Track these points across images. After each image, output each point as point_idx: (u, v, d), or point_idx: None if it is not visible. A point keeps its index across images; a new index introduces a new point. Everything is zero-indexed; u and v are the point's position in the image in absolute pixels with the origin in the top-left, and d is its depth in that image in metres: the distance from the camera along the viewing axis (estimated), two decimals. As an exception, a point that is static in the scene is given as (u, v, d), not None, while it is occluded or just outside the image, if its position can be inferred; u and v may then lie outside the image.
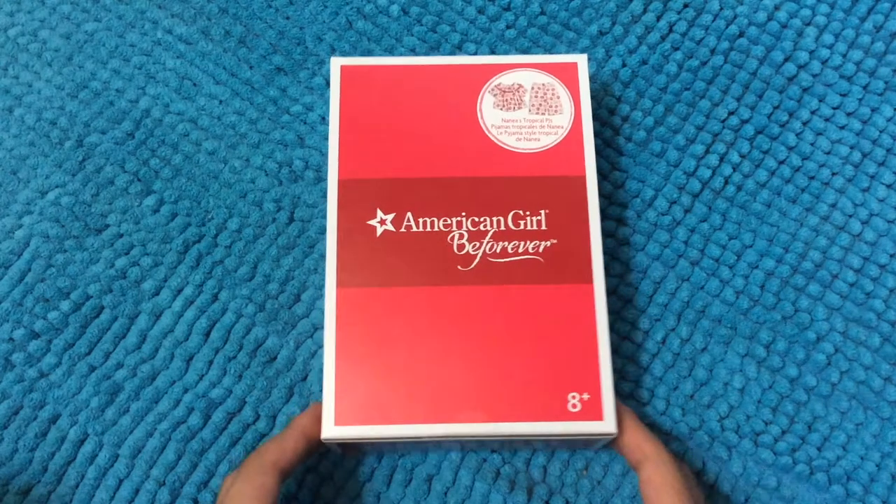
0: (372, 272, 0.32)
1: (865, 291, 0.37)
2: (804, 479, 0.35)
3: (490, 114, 0.34)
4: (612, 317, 0.37)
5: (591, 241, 0.33)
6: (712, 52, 0.40)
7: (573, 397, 0.31)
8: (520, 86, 0.35)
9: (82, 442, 0.35)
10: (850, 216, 0.38)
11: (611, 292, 0.37)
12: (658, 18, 0.41)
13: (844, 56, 0.40)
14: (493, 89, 0.35)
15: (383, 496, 0.35)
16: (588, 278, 0.32)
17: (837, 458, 0.35)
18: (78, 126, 0.40)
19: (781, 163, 0.39)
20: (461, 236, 0.33)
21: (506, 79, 0.35)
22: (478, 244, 0.33)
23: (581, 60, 0.35)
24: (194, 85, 0.40)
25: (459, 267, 0.33)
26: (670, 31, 0.41)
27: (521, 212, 0.33)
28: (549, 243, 0.33)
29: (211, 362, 0.36)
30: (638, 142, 0.39)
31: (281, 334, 0.37)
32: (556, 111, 0.34)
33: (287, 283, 0.37)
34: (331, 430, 0.31)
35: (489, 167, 0.34)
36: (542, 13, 0.41)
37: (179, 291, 0.37)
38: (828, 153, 0.39)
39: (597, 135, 0.39)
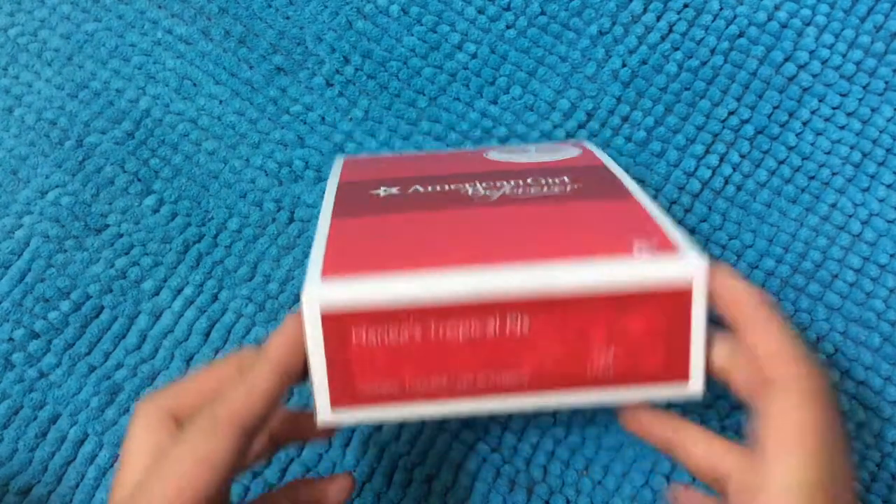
0: (373, 208, 0.26)
1: (865, 291, 0.37)
2: (804, 479, 0.35)
3: (497, 156, 0.32)
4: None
5: (620, 178, 0.28)
6: (712, 52, 0.40)
7: (640, 241, 0.23)
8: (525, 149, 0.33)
9: (82, 442, 0.35)
10: (850, 216, 0.38)
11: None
12: (658, 18, 0.41)
13: (844, 56, 0.40)
14: (497, 149, 0.33)
15: (383, 496, 0.35)
16: (626, 195, 0.27)
17: (837, 458, 0.35)
18: (78, 126, 0.40)
19: (781, 163, 0.39)
20: (475, 188, 0.28)
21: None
22: (496, 191, 0.27)
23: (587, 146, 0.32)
24: (194, 85, 0.40)
25: (476, 201, 0.27)
26: (670, 31, 0.41)
27: (539, 177, 0.29)
28: (575, 186, 0.28)
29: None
30: (638, 142, 0.39)
31: (281, 334, 0.37)
32: (565, 150, 0.32)
33: (287, 283, 0.37)
34: (316, 289, 0.22)
35: (501, 166, 0.31)
36: (542, 13, 0.41)
37: (179, 291, 0.37)
38: (828, 153, 0.39)
39: (596, 135, 0.39)
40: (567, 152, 0.32)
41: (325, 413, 0.23)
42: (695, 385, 0.23)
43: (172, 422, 0.22)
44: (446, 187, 0.28)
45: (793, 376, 0.21)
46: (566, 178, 0.28)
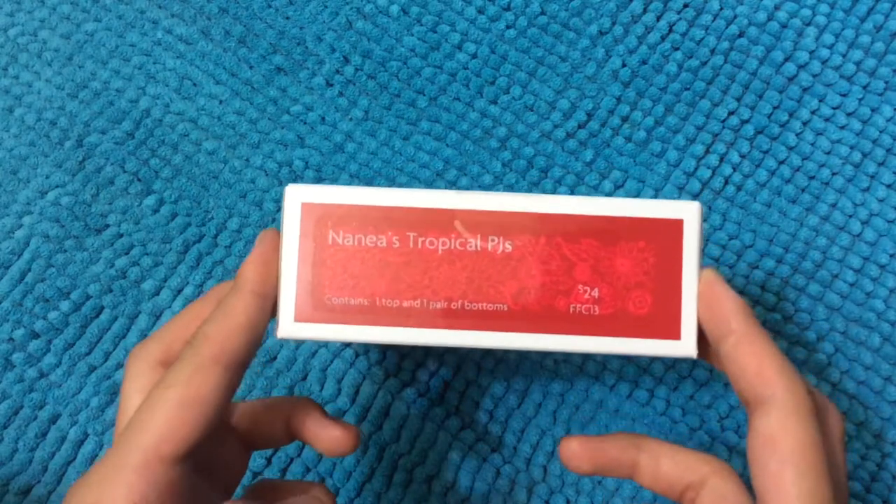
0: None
1: (865, 291, 0.37)
2: (804, 479, 0.35)
3: None
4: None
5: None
6: (712, 52, 0.40)
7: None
8: None
9: (82, 442, 0.35)
10: (850, 216, 0.38)
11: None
12: (658, 18, 0.41)
13: (844, 56, 0.40)
14: None
15: (383, 496, 0.35)
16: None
17: (837, 458, 0.35)
18: (78, 126, 0.40)
19: (781, 163, 0.39)
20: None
21: None
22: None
23: None
24: (194, 85, 0.40)
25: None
26: (670, 31, 0.41)
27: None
28: None
29: (211, 362, 0.36)
30: (638, 142, 0.39)
31: (281, 334, 0.37)
32: None
33: (287, 283, 0.37)
34: (300, 187, 0.22)
35: None
36: (543, 13, 0.41)
37: (179, 291, 0.37)
38: (828, 153, 0.39)
39: (596, 135, 0.39)
40: None
41: (286, 327, 0.21)
42: (686, 345, 0.22)
43: (162, 368, 0.22)
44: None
45: (788, 389, 0.20)
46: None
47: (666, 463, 0.22)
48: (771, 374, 0.20)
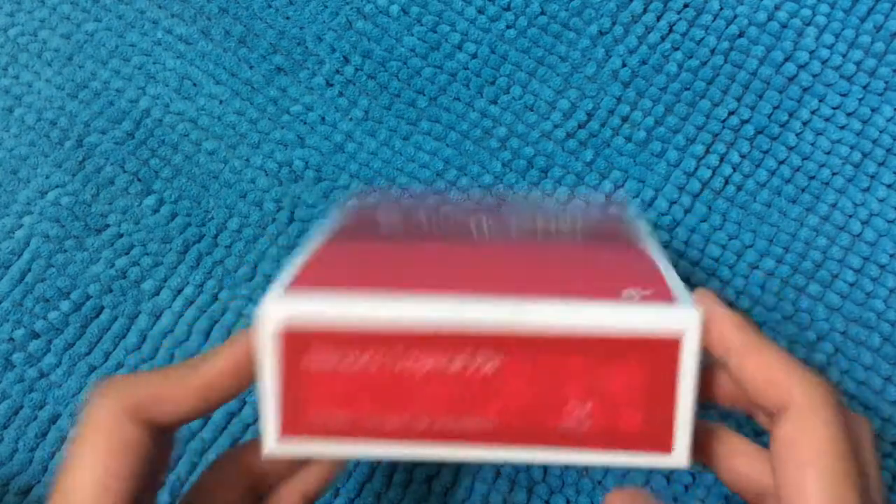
0: (367, 231, 0.25)
1: (865, 291, 0.37)
2: (804, 479, 0.35)
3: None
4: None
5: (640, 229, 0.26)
6: (712, 52, 0.40)
7: (632, 290, 0.21)
8: None
9: (82, 442, 0.35)
10: (850, 216, 0.38)
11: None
12: (658, 18, 0.41)
13: (844, 56, 0.40)
14: None
15: (383, 496, 0.35)
16: (637, 243, 0.25)
17: (837, 458, 0.35)
18: (78, 126, 0.40)
19: (781, 163, 0.39)
20: (481, 225, 0.26)
21: None
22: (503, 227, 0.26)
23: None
24: (194, 85, 0.40)
25: (475, 234, 0.25)
26: (670, 31, 0.41)
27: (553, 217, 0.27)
28: (587, 225, 0.26)
29: (211, 362, 0.36)
30: (638, 142, 0.39)
31: (281, 334, 0.37)
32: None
33: (287, 283, 0.37)
34: (276, 302, 0.20)
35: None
36: (543, 13, 0.41)
37: (179, 291, 0.37)
38: (828, 153, 0.39)
39: (596, 135, 0.39)
40: (609, 213, 0.30)
41: (272, 442, 0.21)
42: (678, 456, 0.20)
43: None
44: (452, 220, 0.26)
45: (804, 393, 0.19)
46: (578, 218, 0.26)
47: (739, 463, 0.21)
48: (782, 378, 0.19)
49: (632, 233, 0.26)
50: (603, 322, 0.20)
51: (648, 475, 0.35)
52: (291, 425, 0.21)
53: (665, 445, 0.20)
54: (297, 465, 0.24)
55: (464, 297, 0.20)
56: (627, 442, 0.20)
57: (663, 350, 0.20)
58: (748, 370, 0.20)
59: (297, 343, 0.20)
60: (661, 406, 0.20)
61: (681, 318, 0.20)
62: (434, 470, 0.35)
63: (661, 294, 0.20)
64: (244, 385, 0.21)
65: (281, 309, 0.20)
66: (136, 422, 0.20)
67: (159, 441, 0.21)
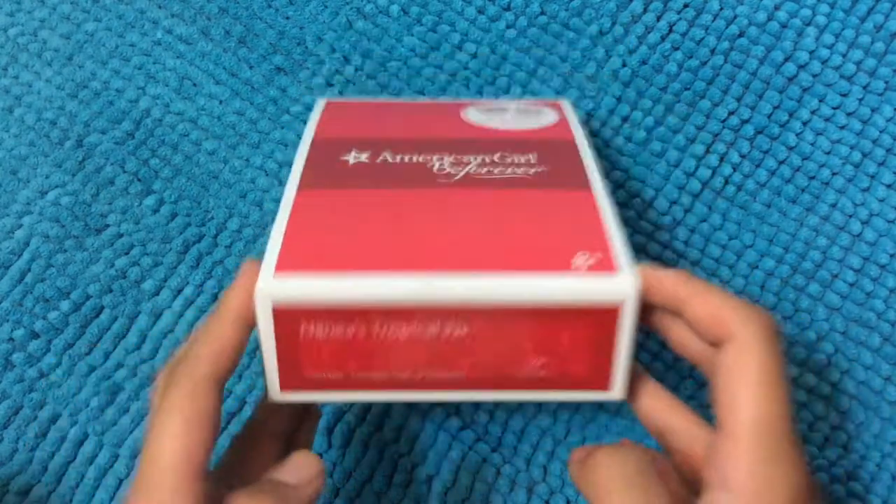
0: (338, 178, 0.28)
1: (865, 291, 0.37)
2: (804, 479, 0.35)
3: (475, 115, 0.34)
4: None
5: (585, 163, 0.30)
6: (712, 52, 0.40)
7: (581, 256, 0.24)
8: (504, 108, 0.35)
9: (82, 442, 0.35)
10: (850, 216, 0.38)
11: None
12: (658, 18, 0.41)
13: (844, 56, 0.40)
14: (476, 105, 0.35)
15: (383, 496, 0.35)
16: (586, 186, 0.28)
17: (838, 457, 0.35)
18: (78, 126, 0.40)
19: (781, 163, 0.39)
20: (442, 162, 0.30)
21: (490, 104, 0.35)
22: (461, 168, 0.29)
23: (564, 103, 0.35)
24: (194, 85, 0.40)
25: (440, 180, 0.28)
26: (670, 31, 0.41)
27: (508, 153, 0.30)
28: (540, 169, 0.29)
29: (211, 362, 0.36)
30: (638, 142, 0.39)
31: (281, 334, 0.37)
32: (542, 114, 0.34)
33: (287, 283, 0.37)
34: (269, 284, 0.23)
35: (474, 132, 0.32)
36: (542, 13, 0.41)
37: (179, 291, 0.37)
38: (828, 153, 0.39)
39: (596, 135, 0.39)
40: (544, 117, 0.33)
41: (274, 394, 0.25)
42: (617, 392, 0.25)
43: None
44: (415, 158, 0.30)
45: (742, 323, 0.21)
46: (532, 159, 0.30)
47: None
48: (726, 314, 0.21)
49: (579, 168, 0.29)
50: (553, 295, 0.23)
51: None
52: (289, 382, 0.24)
53: (606, 385, 0.25)
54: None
55: (431, 275, 0.23)
56: (576, 383, 0.25)
57: (606, 315, 0.23)
58: (697, 312, 0.22)
59: (289, 318, 0.23)
60: (603, 356, 0.24)
61: (622, 289, 0.23)
62: (434, 470, 0.35)
63: (606, 262, 0.24)
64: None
65: (273, 290, 0.23)
66: (214, 387, 0.22)
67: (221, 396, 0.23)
